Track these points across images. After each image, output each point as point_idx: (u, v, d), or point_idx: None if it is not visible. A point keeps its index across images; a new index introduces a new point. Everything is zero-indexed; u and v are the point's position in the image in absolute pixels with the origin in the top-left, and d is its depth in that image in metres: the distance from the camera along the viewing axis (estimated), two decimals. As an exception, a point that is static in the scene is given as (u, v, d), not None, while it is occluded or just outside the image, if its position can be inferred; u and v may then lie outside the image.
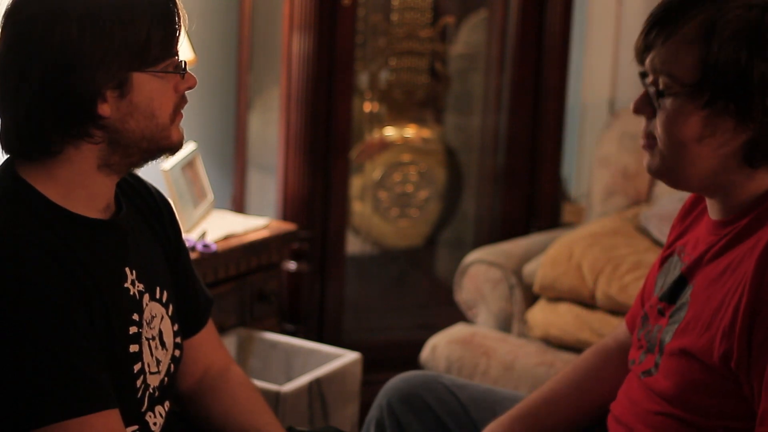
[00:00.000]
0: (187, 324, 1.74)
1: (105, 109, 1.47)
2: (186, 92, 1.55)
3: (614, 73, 3.92)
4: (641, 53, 1.53)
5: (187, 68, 1.55)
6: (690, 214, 1.68)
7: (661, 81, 1.49)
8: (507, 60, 3.50)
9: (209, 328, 1.79)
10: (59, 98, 1.45)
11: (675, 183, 1.55)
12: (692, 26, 1.46)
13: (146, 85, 1.48)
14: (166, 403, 1.64)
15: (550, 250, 3.09)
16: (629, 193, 3.47)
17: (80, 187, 1.50)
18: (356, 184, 3.54)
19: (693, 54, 1.46)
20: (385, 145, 3.62)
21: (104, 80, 1.45)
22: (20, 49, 1.45)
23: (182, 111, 1.56)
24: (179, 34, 1.52)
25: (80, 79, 1.44)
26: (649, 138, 1.54)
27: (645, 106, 1.54)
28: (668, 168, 1.53)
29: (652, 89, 1.51)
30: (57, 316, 1.40)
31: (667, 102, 1.49)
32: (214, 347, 1.79)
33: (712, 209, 1.57)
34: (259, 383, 2.62)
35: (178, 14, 1.52)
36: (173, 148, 1.56)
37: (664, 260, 1.69)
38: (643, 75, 1.54)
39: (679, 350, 1.52)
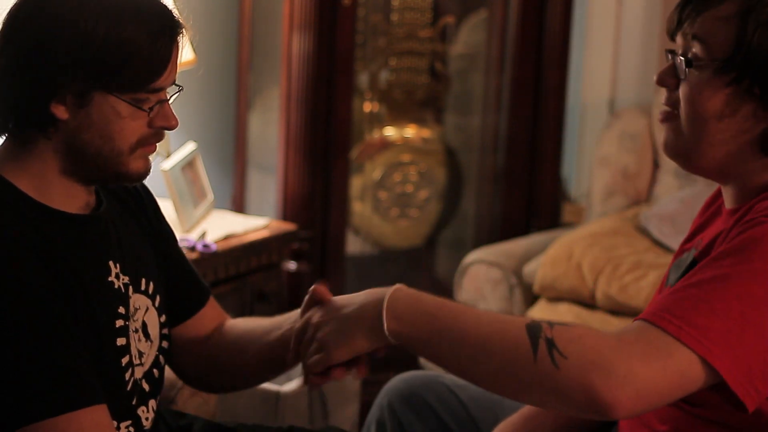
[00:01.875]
0: (192, 300, 1.75)
1: (61, 112, 1.45)
2: (165, 131, 1.51)
3: (614, 73, 3.93)
4: (675, 25, 1.53)
5: (172, 98, 1.51)
6: (710, 208, 1.69)
7: (691, 52, 1.50)
8: (507, 60, 3.50)
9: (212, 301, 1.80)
10: (20, 81, 1.45)
11: (689, 162, 1.55)
12: (729, 4, 1.47)
13: (107, 106, 1.46)
14: (158, 397, 1.63)
15: (550, 250, 3.09)
16: (629, 193, 3.47)
17: (55, 185, 1.50)
18: (356, 184, 3.54)
19: (728, 30, 1.47)
20: (385, 145, 3.62)
21: (64, 85, 1.43)
22: (5, 32, 1.46)
23: (155, 144, 1.52)
24: (168, 68, 1.47)
25: (40, 74, 1.43)
26: (671, 109, 1.54)
27: (669, 78, 1.54)
28: (686, 144, 1.53)
29: (679, 60, 1.51)
30: (40, 313, 1.40)
31: (694, 74, 1.50)
32: (219, 313, 1.80)
33: (727, 198, 1.58)
34: (259, 383, 2.62)
35: (174, 47, 1.48)
36: (130, 178, 1.52)
37: (680, 253, 1.69)
38: (671, 52, 1.54)
39: None
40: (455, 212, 3.77)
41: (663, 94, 1.57)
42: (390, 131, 3.63)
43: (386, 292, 1.46)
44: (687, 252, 1.65)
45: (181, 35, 1.49)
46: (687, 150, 1.53)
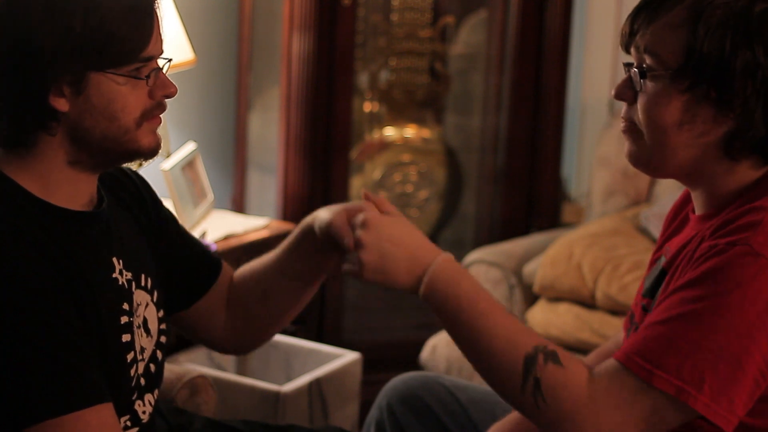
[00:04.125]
0: (211, 270, 1.77)
1: (61, 104, 1.45)
2: (165, 99, 1.52)
3: (614, 73, 3.92)
4: (627, 37, 1.53)
5: (169, 70, 1.51)
6: (678, 216, 1.69)
7: (645, 63, 1.50)
8: (507, 60, 3.50)
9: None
10: (11, 85, 1.45)
11: (654, 170, 1.55)
12: (680, 10, 1.46)
13: (105, 86, 1.46)
14: (156, 391, 1.64)
15: (550, 250, 3.09)
16: (629, 193, 3.47)
17: (59, 182, 1.49)
18: (356, 184, 3.54)
19: (679, 38, 1.46)
20: (385, 145, 3.62)
21: (58, 74, 1.43)
22: None
23: (160, 116, 1.52)
24: (153, 37, 1.48)
25: (32, 70, 1.43)
26: (630, 123, 1.54)
27: (626, 91, 1.54)
28: (649, 155, 1.53)
29: (635, 72, 1.51)
30: (46, 312, 1.40)
31: (649, 85, 1.49)
32: (231, 272, 1.83)
33: (697, 203, 1.58)
34: (259, 383, 2.62)
35: (154, 16, 1.48)
36: (143, 153, 1.52)
37: (653, 262, 1.70)
38: (628, 65, 1.54)
39: None
40: (455, 212, 3.77)
41: None
42: (390, 131, 3.63)
43: (435, 258, 1.54)
44: (658, 260, 1.66)
45: (157, 3, 1.50)
46: (651, 159, 1.53)
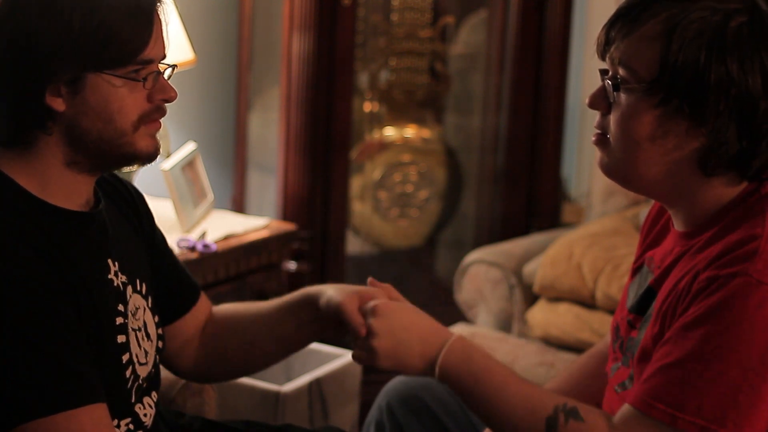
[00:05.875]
0: (188, 296, 1.77)
1: (58, 103, 1.44)
2: (165, 104, 1.51)
3: (614, 73, 3.92)
4: (603, 47, 1.52)
5: (171, 74, 1.51)
6: (657, 224, 1.67)
7: (619, 75, 1.49)
8: (507, 60, 3.50)
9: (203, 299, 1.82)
10: (9, 83, 1.44)
11: (627, 183, 1.54)
12: (655, 23, 1.45)
13: (102, 87, 1.45)
14: (154, 394, 1.64)
15: (550, 250, 3.09)
16: (629, 193, 3.47)
17: (57, 182, 1.49)
18: (356, 184, 3.54)
19: (653, 50, 1.45)
20: (385, 145, 3.62)
21: (55, 73, 1.43)
22: None
23: (160, 120, 1.52)
24: (152, 39, 1.47)
25: (30, 68, 1.42)
26: (601, 134, 1.53)
27: (600, 101, 1.52)
28: (620, 167, 1.52)
29: (609, 83, 1.50)
30: (42, 310, 1.40)
31: (623, 97, 1.48)
32: (209, 304, 1.83)
33: (676, 220, 1.56)
34: (259, 383, 2.62)
35: (154, 18, 1.47)
36: (140, 158, 1.51)
37: (635, 271, 1.69)
38: (604, 72, 1.54)
39: (642, 358, 1.53)
40: (455, 212, 3.77)
41: None
42: (390, 131, 3.63)
43: (446, 339, 1.58)
44: (641, 269, 1.65)
45: (160, 4, 1.49)
46: (624, 172, 1.52)
